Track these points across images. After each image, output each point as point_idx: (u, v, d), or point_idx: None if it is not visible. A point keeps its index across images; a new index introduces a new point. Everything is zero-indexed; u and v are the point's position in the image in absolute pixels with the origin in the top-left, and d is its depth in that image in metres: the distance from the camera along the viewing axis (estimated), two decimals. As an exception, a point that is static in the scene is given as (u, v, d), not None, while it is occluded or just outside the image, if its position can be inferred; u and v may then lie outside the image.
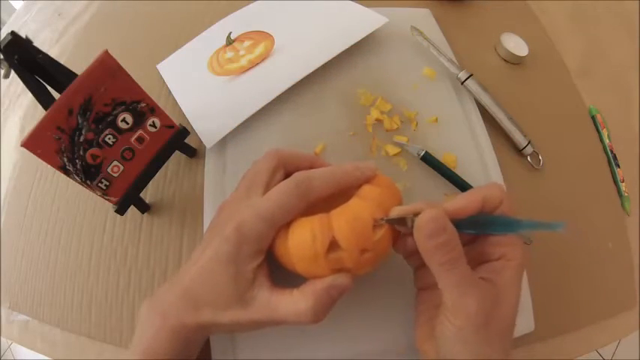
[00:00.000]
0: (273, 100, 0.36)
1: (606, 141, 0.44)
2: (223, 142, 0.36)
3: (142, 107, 0.30)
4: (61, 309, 0.33)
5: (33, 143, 0.26)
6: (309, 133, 0.36)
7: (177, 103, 0.39)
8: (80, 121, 0.27)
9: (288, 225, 0.25)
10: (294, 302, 0.24)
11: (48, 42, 0.47)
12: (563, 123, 0.44)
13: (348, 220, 0.23)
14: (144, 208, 0.35)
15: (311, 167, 0.28)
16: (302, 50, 0.40)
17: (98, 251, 0.34)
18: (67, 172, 0.28)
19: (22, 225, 0.37)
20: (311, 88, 0.38)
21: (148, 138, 0.31)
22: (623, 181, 0.42)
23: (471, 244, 0.26)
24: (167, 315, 0.24)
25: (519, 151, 0.40)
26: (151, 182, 0.33)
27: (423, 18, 0.45)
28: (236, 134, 0.36)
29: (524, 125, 0.40)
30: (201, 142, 0.35)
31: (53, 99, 0.26)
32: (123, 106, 0.29)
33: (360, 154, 0.36)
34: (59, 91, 0.27)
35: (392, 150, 0.36)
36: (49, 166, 0.27)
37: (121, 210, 0.32)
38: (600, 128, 0.44)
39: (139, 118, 0.30)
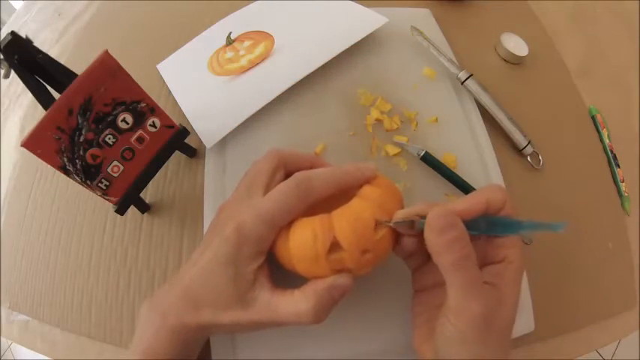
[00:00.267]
0: (273, 100, 0.36)
1: (606, 141, 0.44)
2: (223, 142, 0.36)
3: (142, 107, 0.30)
4: (61, 309, 0.33)
5: (33, 143, 0.26)
6: (309, 133, 0.36)
7: (177, 103, 0.39)
8: (80, 121, 0.27)
9: (289, 225, 0.25)
10: (295, 303, 0.23)
11: (48, 42, 0.47)
12: (563, 123, 0.44)
13: (349, 221, 0.23)
14: (144, 208, 0.35)
15: (311, 167, 0.28)
16: (302, 50, 0.40)
17: (98, 251, 0.34)
18: (67, 172, 0.28)
19: (22, 225, 0.37)
20: (311, 88, 0.38)
21: (148, 138, 0.31)
22: (623, 181, 0.42)
23: (473, 245, 0.26)
24: (167, 315, 0.24)
25: (519, 151, 0.40)
26: (151, 182, 0.33)
27: (423, 18, 0.45)
28: (236, 134, 0.36)
29: (524, 125, 0.40)
30: (201, 142, 0.35)
31: (53, 99, 0.26)
32: (123, 106, 0.29)
33: (360, 154, 0.36)
34: (59, 91, 0.27)
35: (392, 150, 0.36)
36: (49, 166, 0.27)
37: (121, 210, 0.32)
38: (600, 128, 0.44)
39: (139, 118, 0.30)
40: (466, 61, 0.42)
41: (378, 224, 0.24)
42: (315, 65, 0.38)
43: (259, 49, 0.41)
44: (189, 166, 0.37)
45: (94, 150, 0.28)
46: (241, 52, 0.41)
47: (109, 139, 0.29)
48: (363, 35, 0.40)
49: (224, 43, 0.42)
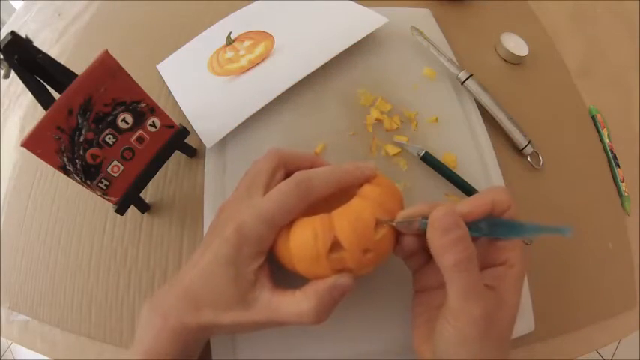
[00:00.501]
0: (273, 100, 0.36)
1: (606, 141, 0.44)
2: (223, 142, 0.36)
3: (142, 107, 0.30)
4: (61, 309, 0.33)
5: (33, 143, 0.26)
6: (309, 133, 0.36)
7: (177, 103, 0.39)
8: (80, 121, 0.27)
9: (289, 225, 0.25)
10: (296, 303, 0.23)
11: (48, 42, 0.47)
12: (563, 123, 0.44)
13: (350, 221, 0.23)
14: (144, 208, 0.35)
15: (311, 167, 0.28)
16: (302, 50, 0.40)
17: (98, 251, 0.34)
18: (67, 172, 0.28)
19: (22, 225, 0.37)
20: (311, 88, 0.38)
21: (148, 138, 0.31)
22: (623, 181, 0.42)
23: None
24: (168, 316, 0.24)
25: (519, 151, 0.40)
26: (151, 182, 0.33)
27: (423, 18, 0.45)
28: (236, 134, 0.36)
29: (524, 125, 0.40)
30: (201, 142, 0.35)
31: (53, 99, 0.26)
32: (123, 106, 0.29)
33: (360, 154, 0.36)
34: (59, 91, 0.27)
35: (392, 150, 0.36)
36: (49, 166, 0.27)
37: (121, 210, 0.32)
38: (600, 128, 0.44)
39: (139, 118, 0.30)
40: (466, 61, 0.42)
41: (379, 223, 0.23)
42: (315, 65, 0.38)
43: (259, 49, 0.41)
44: (189, 166, 0.37)
45: (94, 150, 0.28)
46: (241, 52, 0.41)
47: (109, 139, 0.29)
48: (363, 35, 0.40)
49: (224, 43, 0.42)
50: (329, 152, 0.36)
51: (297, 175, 0.25)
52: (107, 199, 0.31)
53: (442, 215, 0.23)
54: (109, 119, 0.28)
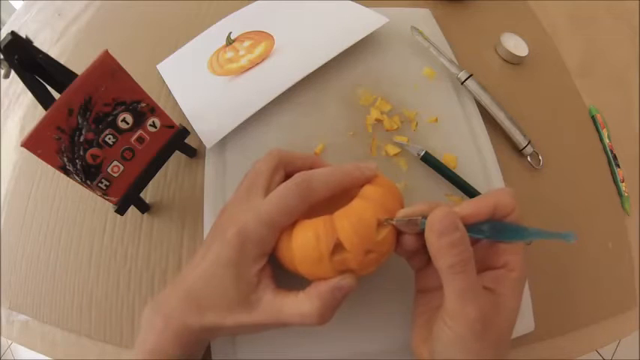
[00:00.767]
0: (273, 100, 0.36)
1: (606, 141, 0.44)
2: (223, 142, 0.36)
3: (142, 107, 0.30)
4: (61, 309, 0.33)
5: (33, 143, 0.26)
6: (309, 133, 0.36)
7: (177, 103, 0.39)
8: (80, 121, 0.27)
9: (291, 227, 0.25)
10: (299, 304, 0.23)
11: (48, 42, 0.47)
12: (563, 123, 0.44)
13: (351, 222, 0.23)
14: (144, 208, 0.35)
15: (311, 168, 0.28)
16: (302, 50, 0.40)
17: (98, 251, 0.34)
18: (67, 172, 0.28)
19: (22, 225, 0.37)
20: (311, 88, 0.38)
21: (148, 138, 0.31)
22: (623, 181, 0.42)
23: (474, 248, 0.26)
24: (170, 318, 0.24)
25: (519, 151, 0.40)
26: (151, 182, 0.33)
27: (423, 18, 0.45)
28: (236, 134, 0.36)
29: (524, 125, 0.40)
30: (201, 142, 0.35)
31: (53, 99, 0.26)
32: (123, 106, 0.29)
33: (360, 154, 0.36)
34: (59, 91, 0.27)
35: (392, 150, 0.36)
36: (49, 166, 0.27)
37: (121, 210, 0.32)
38: (600, 128, 0.44)
39: (139, 118, 0.30)
40: (466, 61, 0.42)
41: (379, 223, 0.23)
42: (315, 65, 0.38)
43: (259, 49, 0.41)
44: (190, 166, 0.37)
45: (94, 150, 0.28)
46: (241, 52, 0.41)
47: (109, 139, 0.29)
48: (363, 35, 0.40)
49: (224, 43, 0.42)
50: (329, 152, 0.36)
51: (297, 176, 0.25)
52: (107, 199, 0.31)
53: (439, 217, 0.22)
54: (109, 119, 0.28)
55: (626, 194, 0.41)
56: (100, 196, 0.30)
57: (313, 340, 0.29)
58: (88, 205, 0.36)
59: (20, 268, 0.35)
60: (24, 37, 0.26)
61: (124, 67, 0.28)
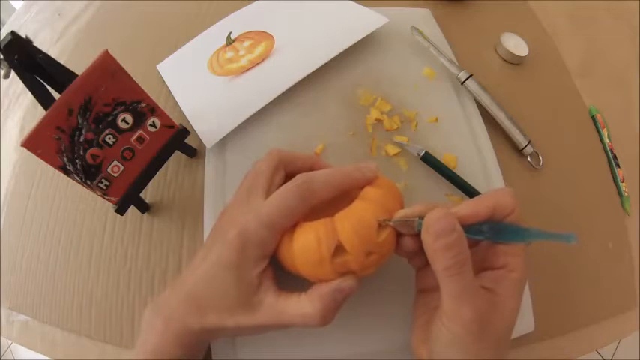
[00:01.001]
0: (273, 100, 0.36)
1: (606, 141, 0.44)
2: (223, 142, 0.36)
3: (142, 107, 0.30)
4: (61, 309, 0.33)
5: (33, 143, 0.26)
6: (309, 133, 0.36)
7: (177, 103, 0.39)
8: (80, 121, 0.27)
9: (292, 229, 0.24)
10: (301, 306, 0.23)
11: (48, 42, 0.47)
12: (563, 123, 0.44)
13: (352, 224, 0.23)
14: (144, 208, 0.35)
15: (311, 168, 0.28)
16: (302, 50, 0.40)
17: (98, 251, 0.34)
18: (67, 172, 0.28)
19: (22, 225, 0.37)
20: (311, 88, 0.38)
21: (148, 138, 0.31)
22: (623, 181, 0.42)
23: (473, 248, 0.26)
24: (171, 319, 0.24)
25: (519, 151, 0.40)
26: (151, 182, 0.33)
27: (423, 18, 0.45)
28: (236, 134, 0.36)
29: (524, 125, 0.40)
30: (201, 142, 0.35)
31: (53, 99, 0.26)
32: (123, 106, 0.29)
33: (360, 154, 0.36)
34: (59, 91, 0.27)
35: (392, 150, 0.36)
36: (49, 166, 0.27)
37: (121, 210, 0.32)
38: (600, 128, 0.44)
39: (139, 118, 0.30)
40: (466, 61, 0.42)
41: (379, 223, 0.23)
42: (315, 65, 0.38)
43: (259, 49, 0.41)
44: (190, 166, 0.37)
45: (94, 150, 0.28)
46: (241, 52, 0.41)
47: (109, 139, 0.29)
48: (363, 35, 0.40)
49: (224, 43, 0.42)
50: (329, 152, 0.36)
51: (298, 178, 0.25)
52: (107, 199, 0.31)
53: (436, 219, 0.22)
54: (109, 119, 0.28)
55: (626, 194, 0.41)
56: (100, 196, 0.30)
57: (313, 341, 0.29)
58: (88, 205, 0.36)
59: (20, 268, 0.35)
60: (24, 37, 0.26)
61: (124, 67, 0.28)
